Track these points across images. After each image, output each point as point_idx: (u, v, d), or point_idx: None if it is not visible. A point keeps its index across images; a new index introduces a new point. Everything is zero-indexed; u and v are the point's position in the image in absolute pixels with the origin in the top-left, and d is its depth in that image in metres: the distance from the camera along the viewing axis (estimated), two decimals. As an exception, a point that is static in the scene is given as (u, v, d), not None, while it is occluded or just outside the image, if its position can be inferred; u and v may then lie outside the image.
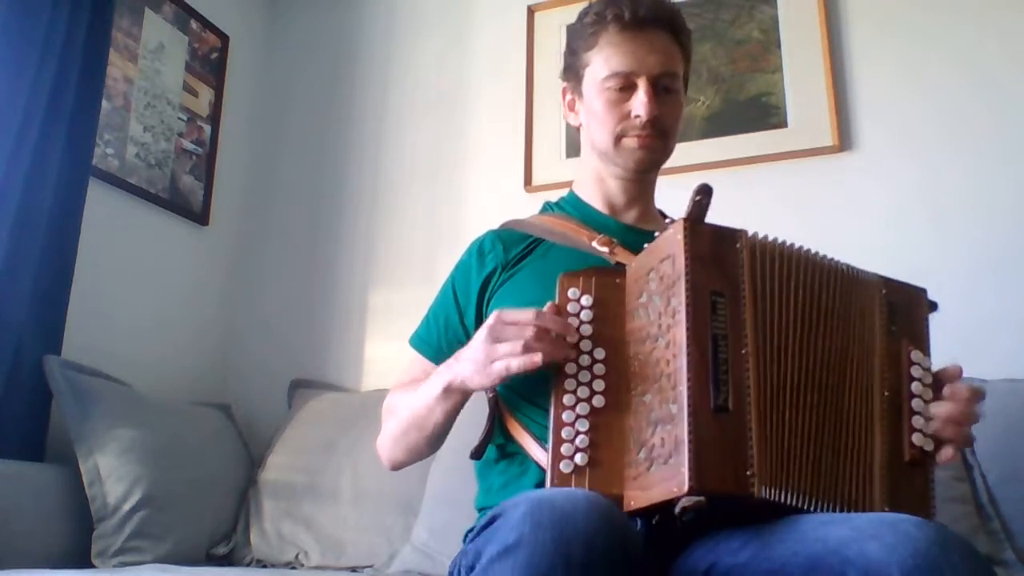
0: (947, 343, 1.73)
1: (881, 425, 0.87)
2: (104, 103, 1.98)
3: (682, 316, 0.81)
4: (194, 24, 2.37)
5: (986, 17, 1.90)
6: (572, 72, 1.18)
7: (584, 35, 1.14)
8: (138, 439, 1.71)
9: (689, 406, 0.78)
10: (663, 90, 1.11)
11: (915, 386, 0.90)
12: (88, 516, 1.63)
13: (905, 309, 0.94)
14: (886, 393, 0.89)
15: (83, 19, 1.86)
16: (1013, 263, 1.75)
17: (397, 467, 1.17)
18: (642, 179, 1.18)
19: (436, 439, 1.11)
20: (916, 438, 0.88)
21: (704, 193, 0.86)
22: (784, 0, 2.06)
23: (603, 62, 1.11)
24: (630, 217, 1.19)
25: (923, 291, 0.97)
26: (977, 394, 0.91)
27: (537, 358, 0.87)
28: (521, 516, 0.70)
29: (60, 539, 1.61)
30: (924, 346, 0.93)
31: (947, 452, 0.88)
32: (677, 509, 0.76)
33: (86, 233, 1.88)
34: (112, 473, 1.65)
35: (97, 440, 1.66)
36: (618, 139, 1.12)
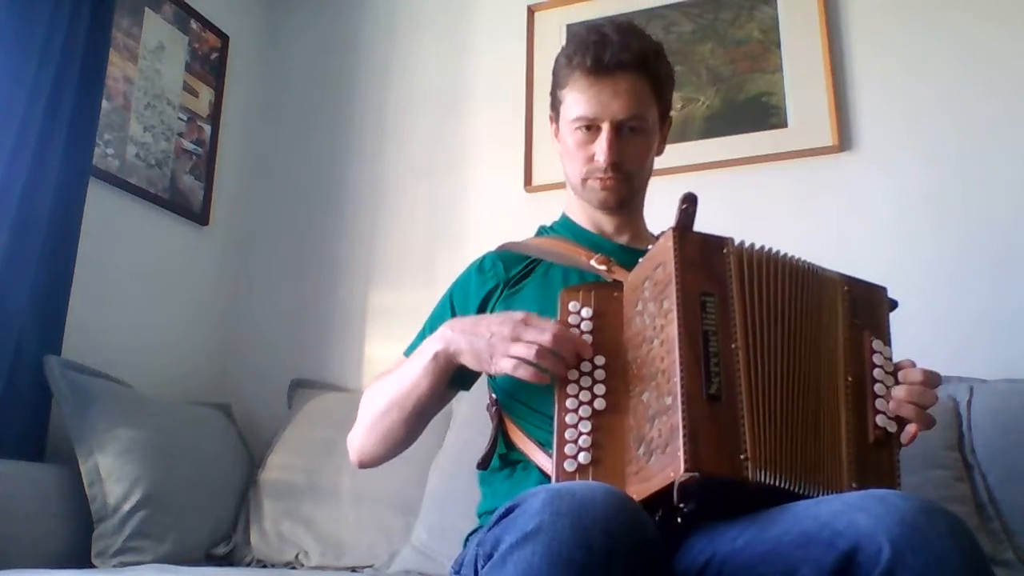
0: (947, 342, 1.72)
1: (846, 409, 0.92)
2: (104, 103, 1.98)
3: (674, 315, 0.86)
4: (194, 24, 2.37)
5: (986, 18, 1.90)
6: (554, 103, 1.21)
7: (560, 73, 1.16)
8: (138, 439, 1.71)
9: (683, 395, 0.82)
10: (629, 131, 1.13)
11: (877, 372, 0.95)
12: (88, 516, 1.63)
13: (866, 304, 0.99)
14: (849, 379, 0.93)
15: (83, 19, 1.86)
16: (1012, 262, 1.75)
17: (366, 461, 1.14)
18: (620, 211, 1.20)
19: (415, 423, 1.10)
20: (880, 419, 0.92)
21: (690, 201, 0.92)
22: (784, 0, 2.06)
23: (572, 104, 1.14)
24: (623, 240, 1.21)
25: (884, 289, 1.02)
26: (931, 377, 0.94)
27: (547, 378, 0.92)
28: (541, 504, 0.72)
29: (60, 539, 1.61)
30: (885, 338, 0.98)
31: (910, 430, 0.91)
32: (675, 489, 0.78)
33: (86, 233, 1.88)
34: (112, 473, 1.65)
35: (97, 440, 1.67)
36: (584, 180, 1.16)
